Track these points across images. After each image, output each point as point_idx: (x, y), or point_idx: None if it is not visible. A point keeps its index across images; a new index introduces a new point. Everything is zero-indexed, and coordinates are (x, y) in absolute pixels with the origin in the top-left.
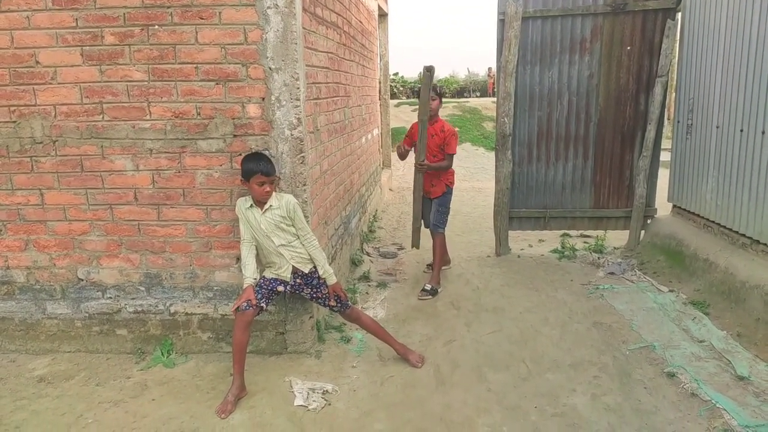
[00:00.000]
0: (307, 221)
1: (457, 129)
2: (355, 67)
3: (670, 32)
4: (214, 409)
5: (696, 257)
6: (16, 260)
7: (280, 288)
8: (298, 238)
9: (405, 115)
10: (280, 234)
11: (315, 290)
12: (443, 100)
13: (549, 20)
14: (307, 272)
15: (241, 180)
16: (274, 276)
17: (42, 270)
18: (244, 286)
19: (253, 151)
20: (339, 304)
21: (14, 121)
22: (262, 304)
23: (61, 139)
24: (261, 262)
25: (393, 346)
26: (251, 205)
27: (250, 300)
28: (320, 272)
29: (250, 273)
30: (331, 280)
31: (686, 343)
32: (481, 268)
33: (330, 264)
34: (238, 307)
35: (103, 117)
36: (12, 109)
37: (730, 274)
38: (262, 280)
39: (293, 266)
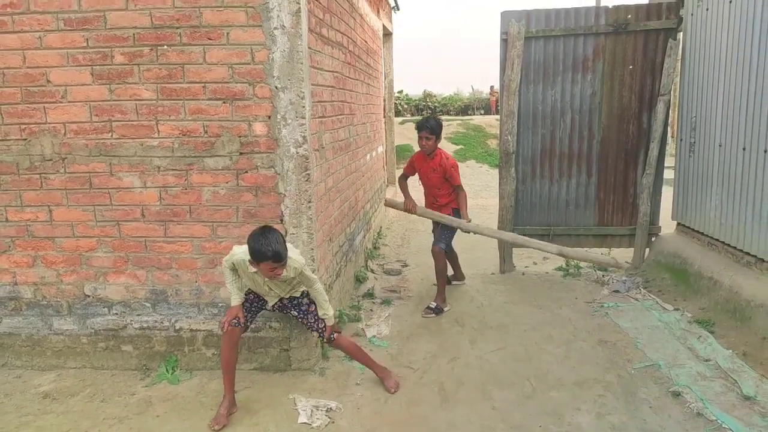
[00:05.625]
0: (312, 238)
1: (454, 160)
2: (360, 86)
3: (672, 51)
4: (208, 422)
5: (701, 275)
6: (24, 276)
7: (267, 308)
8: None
9: (409, 133)
10: (285, 287)
11: (303, 315)
12: (447, 117)
13: (551, 40)
14: (298, 296)
15: (250, 261)
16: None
17: (49, 286)
18: (233, 304)
19: (263, 227)
20: (322, 336)
21: (25, 139)
22: (248, 323)
23: (70, 157)
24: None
25: (373, 370)
26: (257, 270)
27: (238, 318)
28: (320, 313)
29: (236, 294)
30: (330, 321)
31: (691, 362)
32: (486, 285)
33: (335, 281)
34: (228, 324)
35: (111, 135)
36: (23, 127)
37: (735, 293)
38: (251, 296)
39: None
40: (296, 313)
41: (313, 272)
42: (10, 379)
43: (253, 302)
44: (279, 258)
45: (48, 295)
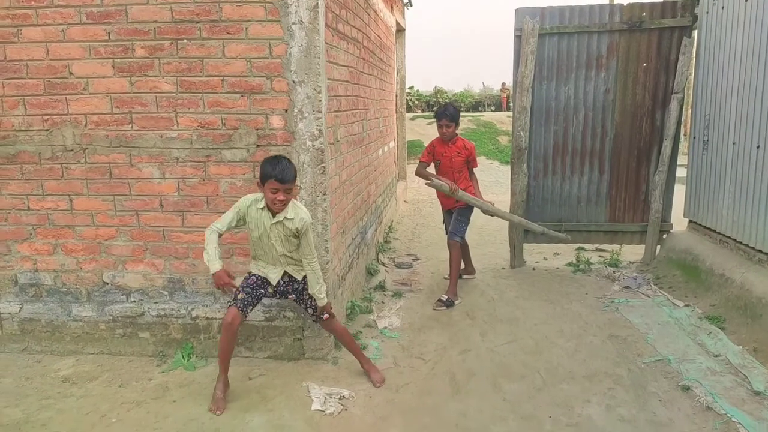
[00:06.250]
0: (326, 230)
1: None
2: (374, 81)
3: (686, 50)
4: (208, 408)
5: (712, 272)
6: (45, 263)
7: (268, 292)
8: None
9: (420, 128)
10: (286, 245)
11: (298, 295)
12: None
13: (565, 37)
14: (299, 279)
15: (258, 183)
16: (262, 275)
17: (69, 273)
18: (213, 271)
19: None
20: (315, 314)
21: (47, 130)
22: (248, 311)
23: (91, 147)
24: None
25: (360, 361)
26: (264, 207)
27: (236, 291)
28: (311, 291)
29: (216, 260)
30: (321, 302)
31: (702, 358)
32: (496, 280)
33: (347, 272)
34: (234, 296)
35: (132, 126)
36: (45, 117)
37: (746, 290)
38: (252, 279)
39: (285, 270)
40: (294, 297)
41: (326, 264)
42: (30, 364)
43: (255, 286)
44: (283, 178)
45: (67, 282)
